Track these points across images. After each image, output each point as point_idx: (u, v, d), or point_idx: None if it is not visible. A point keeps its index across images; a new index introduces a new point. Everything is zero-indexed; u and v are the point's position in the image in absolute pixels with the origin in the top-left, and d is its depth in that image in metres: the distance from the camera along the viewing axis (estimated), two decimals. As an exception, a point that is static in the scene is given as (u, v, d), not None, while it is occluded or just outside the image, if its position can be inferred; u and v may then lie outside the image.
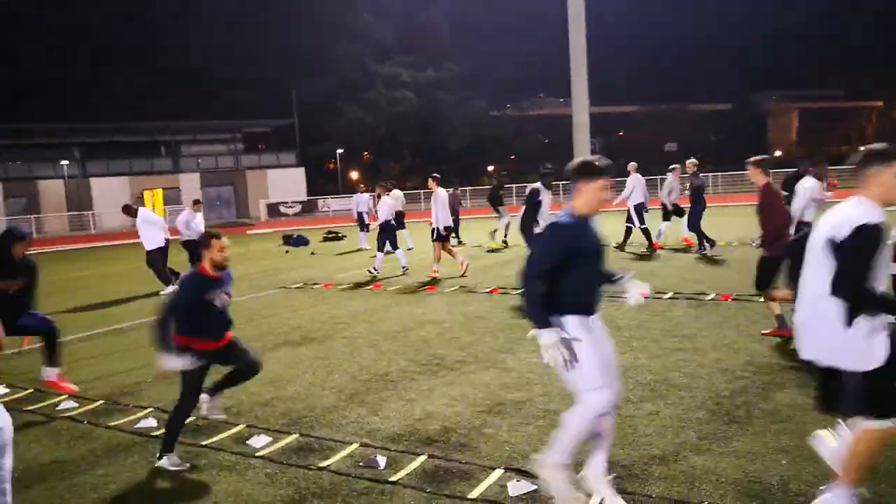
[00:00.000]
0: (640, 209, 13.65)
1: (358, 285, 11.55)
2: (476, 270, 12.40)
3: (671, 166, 13.98)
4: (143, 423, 5.07)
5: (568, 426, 3.38)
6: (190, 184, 44.67)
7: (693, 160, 13.70)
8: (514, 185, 38.04)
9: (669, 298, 8.62)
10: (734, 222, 17.72)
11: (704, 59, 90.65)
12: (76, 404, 5.64)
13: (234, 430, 4.83)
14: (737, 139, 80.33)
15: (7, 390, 6.20)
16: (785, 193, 12.70)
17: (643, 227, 13.54)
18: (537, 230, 9.03)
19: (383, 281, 11.77)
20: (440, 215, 11.73)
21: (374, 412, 5.06)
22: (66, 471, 4.33)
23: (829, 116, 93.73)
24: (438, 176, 12.47)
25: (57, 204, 41.73)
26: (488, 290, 10.16)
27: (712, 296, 8.52)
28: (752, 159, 6.77)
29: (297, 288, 11.68)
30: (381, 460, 4.16)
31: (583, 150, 40.73)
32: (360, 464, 4.16)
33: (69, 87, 60.68)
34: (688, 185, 13.59)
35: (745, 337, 6.55)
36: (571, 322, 3.36)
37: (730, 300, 8.25)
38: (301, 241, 20.38)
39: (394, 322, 8.31)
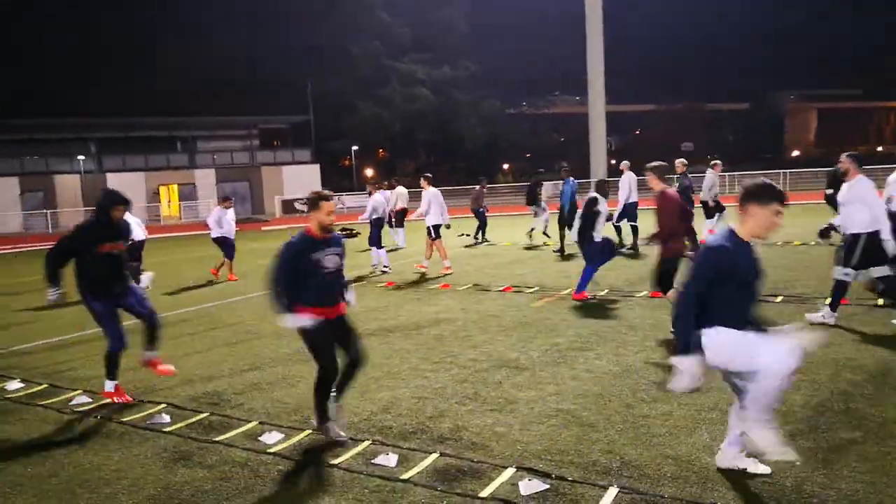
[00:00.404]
0: (633, 207, 13.81)
1: (369, 282, 11.55)
2: (490, 269, 12.38)
3: (712, 162, 13.90)
4: (156, 419, 5.09)
5: (760, 392, 3.33)
6: (205, 179, 44.92)
7: (682, 160, 13.83)
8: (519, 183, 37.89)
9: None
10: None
11: (722, 58, 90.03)
12: (90, 399, 5.68)
13: (246, 427, 4.84)
14: (753, 139, 79.71)
15: (21, 385, 6.25)
16: (829, 191, 12.65)
17: (617, 224, 13.91)
18: (597, 238, 8.75)
19: (396, 278, 11.77)
20: (432, 214, 12.07)
21: (386, 410, 5.06)
22: (78, 465, 4.36)
23: (848, 116, 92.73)
24: (430, 176, 12.77)
25: (73, 199, 42.12)
26: (501, 288, 10.13)
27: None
28: (650, 165, 6.97)
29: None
30: (393, 458, 4.15)
31: (599, 148, 40.54)
32: (372, 461, 4.15)
33: (87, 83, 61.31)
34: (676, 185, 13.56)
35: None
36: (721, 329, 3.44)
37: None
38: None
39: (406, 320, 8.30)
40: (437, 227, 12.10)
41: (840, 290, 6.82)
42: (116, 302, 5.51)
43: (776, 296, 8.33)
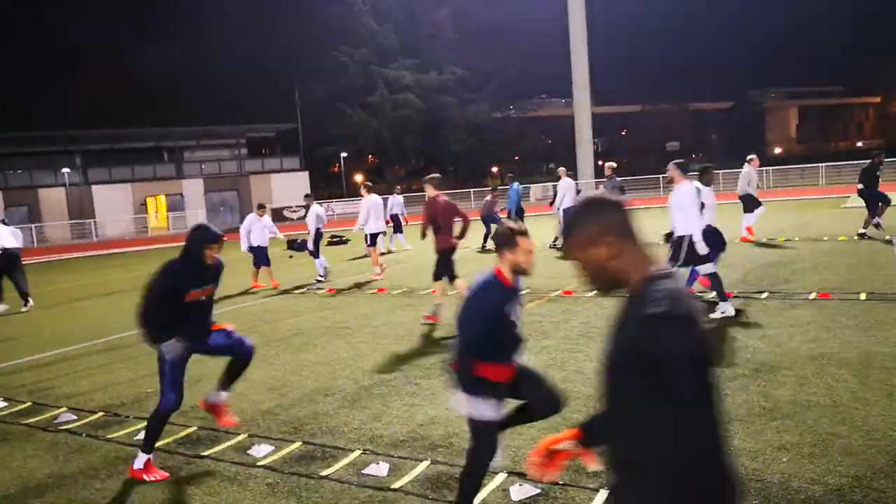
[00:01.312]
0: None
1: (361, 289, 11.53)
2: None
3: (749, 157, 13.73)
4: (143, 436, 5.03)
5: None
6: (193, 189, 44.73)
7: (612, 163, 14.23)
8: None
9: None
10: (737, 219, 17.65)
11: (705, 57, 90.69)
12: (74, 417, 5.62)
13: (235, 440, 4.81)
14: (737, 137, 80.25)
15: (5, 403, 6.18)
16: (860, 186, 12.76)
17: None
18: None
19: (387, 285, 11.76)
20: (370, 221, 12.41)
21: (376, 418, 5.04)
22: (63, 485, 4.31)
23: (828, 113, 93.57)
24: (371, 184, 13.09)
25: (58, 212, 41.80)
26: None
27: (713, 294, 8.47)
28: (426, 178, 8.56)
29: (300, 293, 11.66)
30: (384, 467, 4.13)
31: (585, 150, 40.66)
32: (363, 472, 4.13)
33: (69, 94, 61.00)
34: (604, 188, 13.86)
35: (745, 334, 6.51)
36: None
37: (731, 297, 8.20)
38: (304, 247, 20.33)
39: (397, 326, 8.28)
40: (374, 236, 12.51)
41: (716, 282, 7.41)
42: (196, 348, 4.51)
43: (761, 292, 8.38)
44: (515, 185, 14.85)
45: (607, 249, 1.60)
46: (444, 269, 8.31)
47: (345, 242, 21.80)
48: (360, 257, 16.83)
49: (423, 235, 8.61)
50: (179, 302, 4.28)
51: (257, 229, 12.46)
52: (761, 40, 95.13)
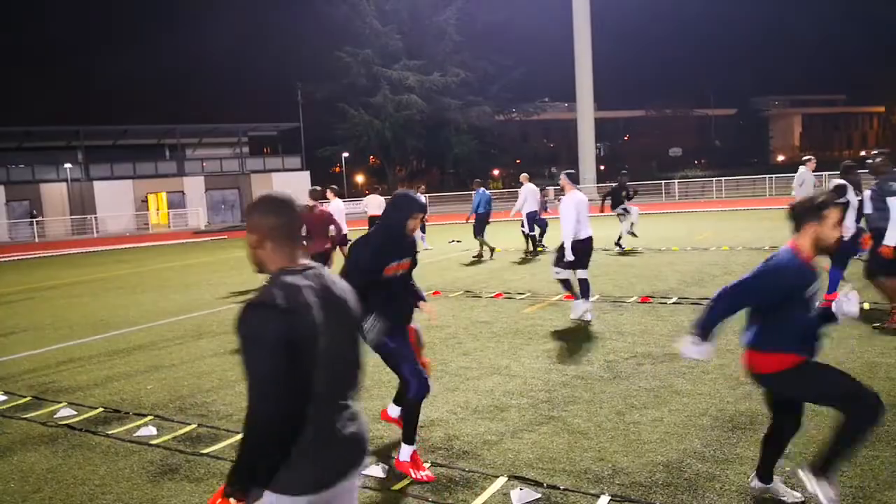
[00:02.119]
0: (533, 217, 15.21)
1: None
2: (481, 275, 12.37)
3: (805, 158, 13.33)
4: (143, 432, 5.02)
5: None
6: (194, 187, 44.74)
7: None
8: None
9: (674, 303, 8.57)
10: (741, 227, 17.64)
11: (709, 63, 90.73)
12: (74, 412, 5.60)
13: (234, 439, 4.79)
14: (740, 144, 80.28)
15: (5, 397, 6.16)
16: None
17: (531, 233, 15.36)
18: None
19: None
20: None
21: (375, 419, 5.01)
22: (62, 480, 4.28)
23: (832, 121, 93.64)
24: (336, 187, 13.13)
25: (60, 207, 41.81)
26: (493, 294, 10.12)
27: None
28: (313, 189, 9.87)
29: None
30: (383, 469, 4.11)
31: (588, 154, 40.72)
32: (362, 473, 4.10)
33: (72, 90, 61.01)
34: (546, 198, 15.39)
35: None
36: None
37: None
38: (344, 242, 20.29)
39: (396, 327, 8.25)
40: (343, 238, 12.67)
41: (566, 286, 8.18)
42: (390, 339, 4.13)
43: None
44: (481, 190, 15.45)
45: (257, 238, 2.03)
46: None
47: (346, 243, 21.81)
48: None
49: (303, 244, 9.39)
50: (378, 277, 3.94)
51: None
52: (765, 47, 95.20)
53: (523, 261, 14.30)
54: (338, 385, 2.02)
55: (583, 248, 7.84)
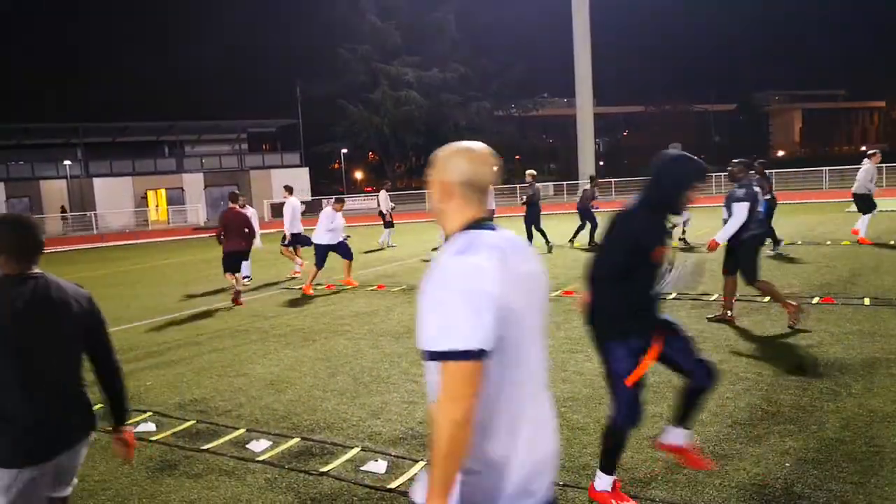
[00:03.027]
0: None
1: (361, 286, 11.51)
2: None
3: (870, 152, 12.82)
4: (142, 428, 5.02)
5: None
6: (194, 184, 44.70)
7: (531, 171, 14.86)
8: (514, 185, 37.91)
9: (673, 299, 8.56)
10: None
11: (709, 59, 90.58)
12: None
13: (234, 434, 4.79)
14: (739, 140, 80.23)
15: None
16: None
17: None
18: None
19: (387, 282, 11.74)
20: (288, 223, 12.84)
21: (375, 415, 5.02)
22: (63, 475, 4.28)
23: (832, 117, 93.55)
24: (292, 187, 13.65)
25: (59, 204, 41.78)
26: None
27: (715, 297, 8.46)
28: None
29: (300, 288, 11.64)
30: (382, 464, 4.11)
31: (587, 150, 40.70)
32: (361, 469, 4.11)
33: (71, 87, 60.94)
34: (524, 195, 14.76)
35: (747, 338, 6.49)
36: None
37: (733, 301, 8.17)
38: (304, 242, 20.33)
39: (397, 323, 8.26)
40: (295, 236, 12.99)
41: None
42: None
43: (764, 296, 8.34)
44: None
45: None
46: (234, 265, 10.37)
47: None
48: (375, 250, 16.82)
49: (219, 240, 10.43)
50: (644, 265, 3.22)
51: (336, 225, 11.29)
52: (766, 43, 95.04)
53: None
54: None
55: None
